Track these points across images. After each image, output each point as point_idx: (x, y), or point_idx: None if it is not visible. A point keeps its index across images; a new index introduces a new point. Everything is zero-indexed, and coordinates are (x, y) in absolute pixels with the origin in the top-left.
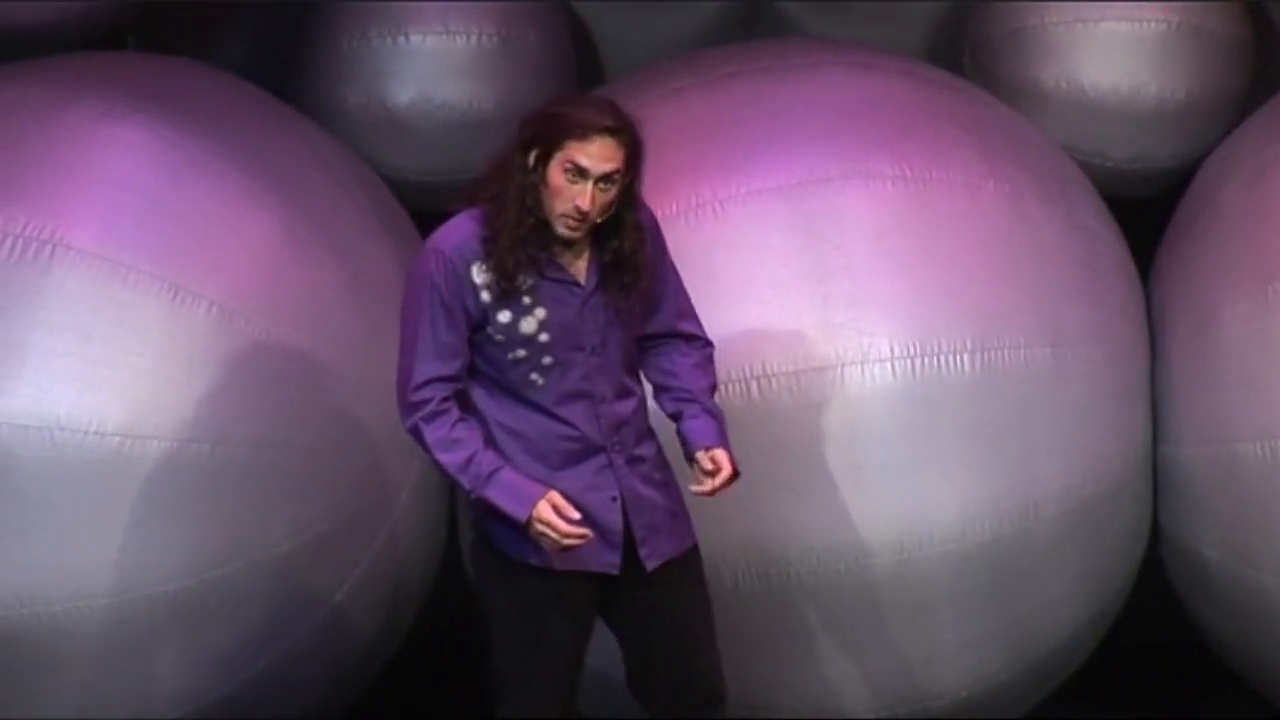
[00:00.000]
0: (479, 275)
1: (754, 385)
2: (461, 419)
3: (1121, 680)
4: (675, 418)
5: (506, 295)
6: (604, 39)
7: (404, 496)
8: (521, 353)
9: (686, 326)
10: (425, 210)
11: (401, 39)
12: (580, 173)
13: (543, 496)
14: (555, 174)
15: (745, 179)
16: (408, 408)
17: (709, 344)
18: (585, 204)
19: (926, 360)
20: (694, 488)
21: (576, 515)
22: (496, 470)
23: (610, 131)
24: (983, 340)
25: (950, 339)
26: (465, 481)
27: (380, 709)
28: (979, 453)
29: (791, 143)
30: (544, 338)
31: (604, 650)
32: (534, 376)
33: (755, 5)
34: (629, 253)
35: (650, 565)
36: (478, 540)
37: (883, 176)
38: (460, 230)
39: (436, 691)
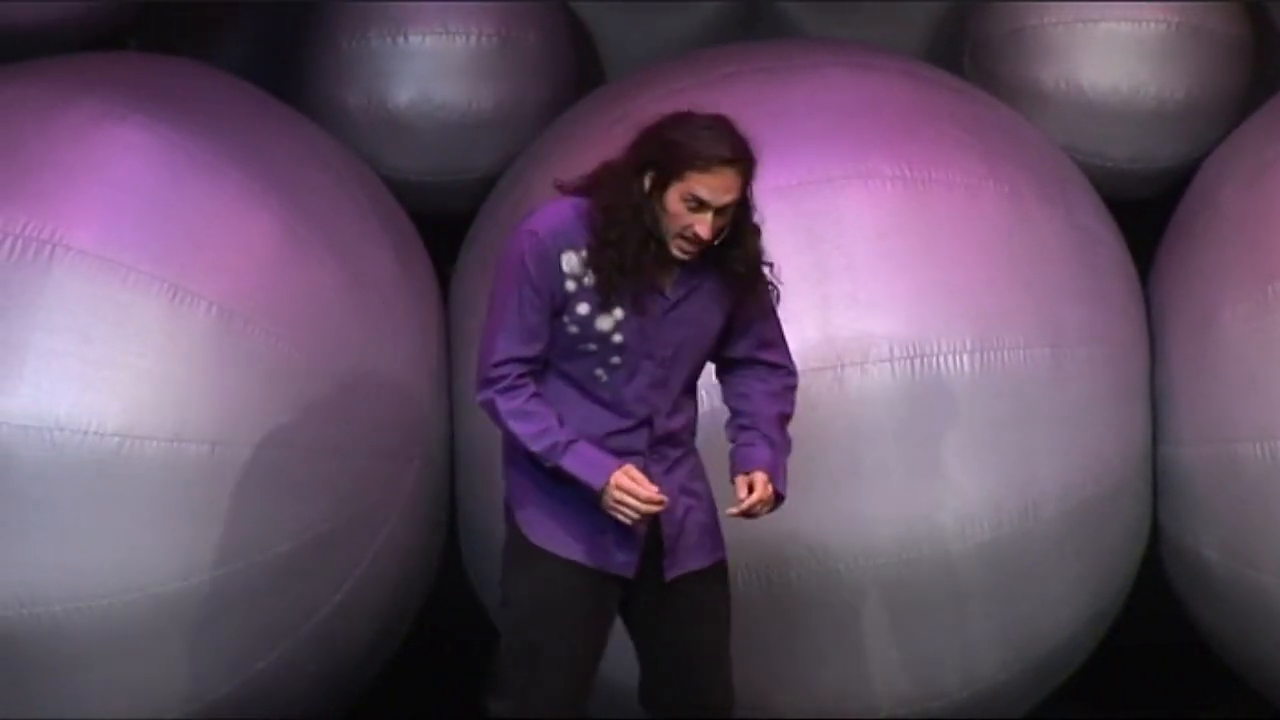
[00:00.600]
0: (568, 264)
1: None
2: (536, 394)
3: (1121, 680)
4: (734, 442)
5: (591, 290)
6: (604, 40)
7: (404, 497)
8: (592, 347)
9: (770, 356)
10: (425, 210)
11: (401, 39)
12: (701, 204)
13: (619, 468)
14: (673, 201)
15: None
16: (484, 382)
17: (792, 374)
18: (705, 233)
19: (926, 360)
20: (728, 510)
21: (654, 487)
22: (573, 441)
23: (732, 164)
24: (982, 340)
25: (950, 339)
26: (540, 449)
27: (380, 709)
28: (979, 453)
29: (791, 143)
30: (618, 338)
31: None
32: (599, 372)
33: (755, 5)
34: (753, 257)
35: (670, 574)
36: (507, 528)
37: (883, 177)
38: (559, 216)
39: (436, 691)
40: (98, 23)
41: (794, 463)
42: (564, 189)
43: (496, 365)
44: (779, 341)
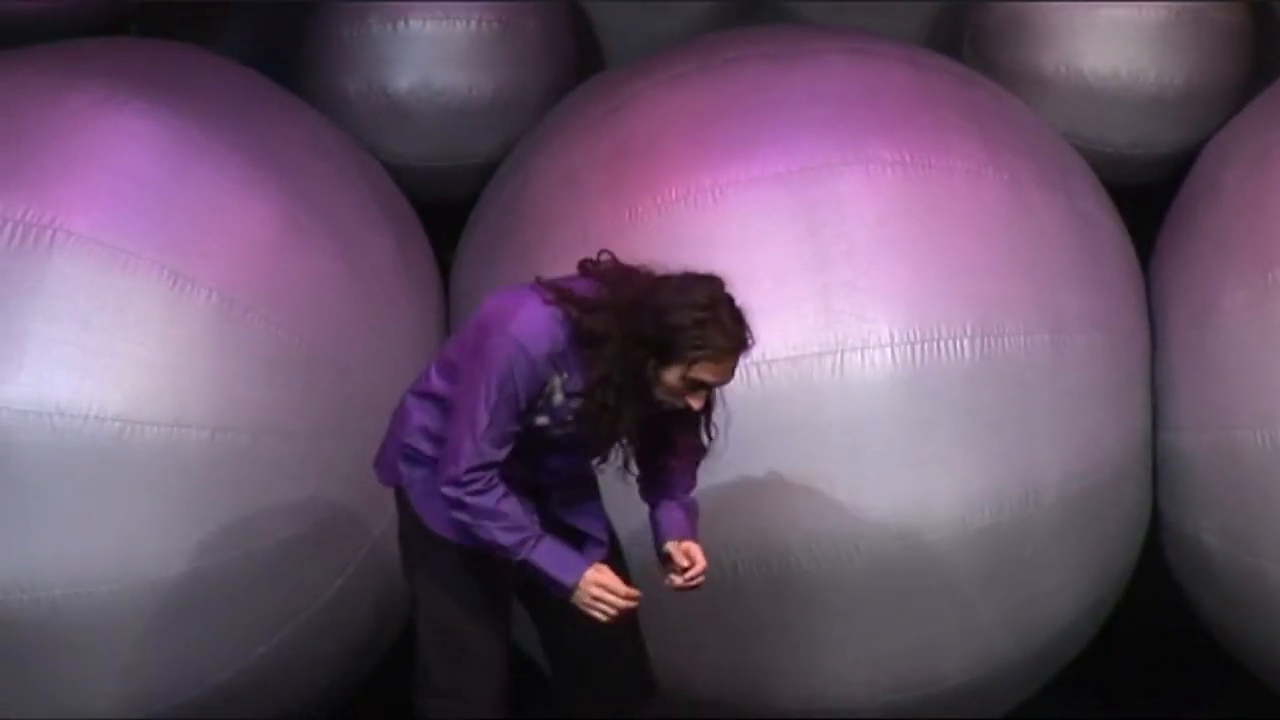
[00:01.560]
0: (549, 388)
1: (753, 371)
2: (505, 493)
3: (1121, 666)
4: (652, 505)
5: (556, 408)
6: (604, 29)
7: None
8: (528, 437)
9: (694, 446)
10: (425, 196)
11: (401, 25)
12: (702, 386)
13: (588, 565)
14: (672, 378)
15: (745, 165)
16: (453, 482)
17: (702, 451)
18: (698, 406)
19: (927, 346)
20: (666, 580)
21: (627, 588)
22: (541, 537)
23: (739, 350)
24: (983, 326)
25: (950, 325)
26: (510, 543)
27: (381, 696)
28: (979, 439)
29: (792, 129)
30: (557, 434)
31: None
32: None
33: None
34: (691, 425)
35: (593, 557)
36: (405, 521)
37: (883, 163)
38: (548, 334)
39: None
40: (98, 9)
41: (794, 449)
42: (540, 286)
43: (469, 471)
44: (702, 432)
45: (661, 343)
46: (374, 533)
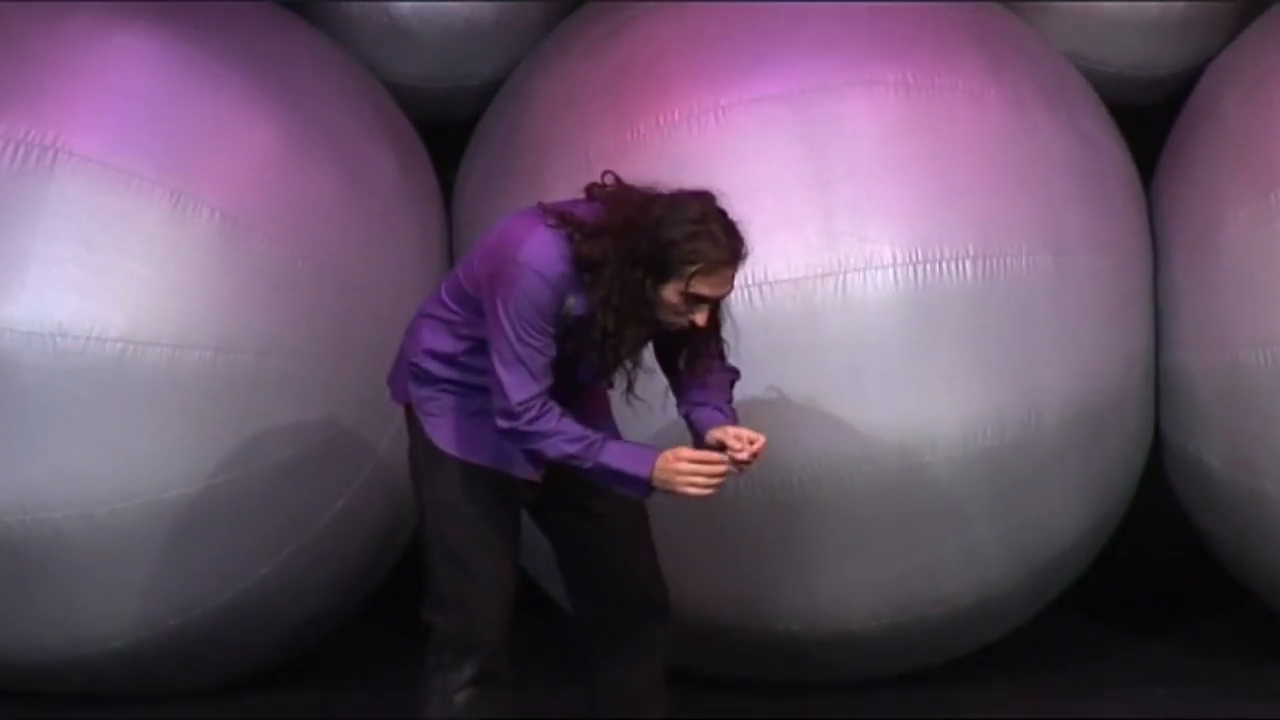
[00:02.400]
0: (567, 306)
1: (755, 292)
2: (560, 414)
3: (1123, 588)
4: (688, 416)
5: (569, 325)
6: None
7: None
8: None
9: (715, 384)
10: (427, 117)
11: None
12: (701, 300)
13: (659, 454)
14: (671, 294)
15: (748, 86)
16: (508, 415)
17: (735, 371)
18: (702, 322)
19: (929, 267)
20: (736, 455)
21: (716, 455)
22: (607, 440)
23: (736, 260)
24: (985, 247)
25: (953, 246)
26: (577, 450)
27: (383, 616)
28: (981, 360)
29: (794, 50)
30: (569, 349)
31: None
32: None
33: None
34: (714, 337)
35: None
36: (414, 439)
37: (885, 84)
38: (555, 254)
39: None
40: None
41: (796, 370)
42: (544, 213)
43: (520, 404)
44: (721, 348)
45: (656, 259)
46: (377, 453)
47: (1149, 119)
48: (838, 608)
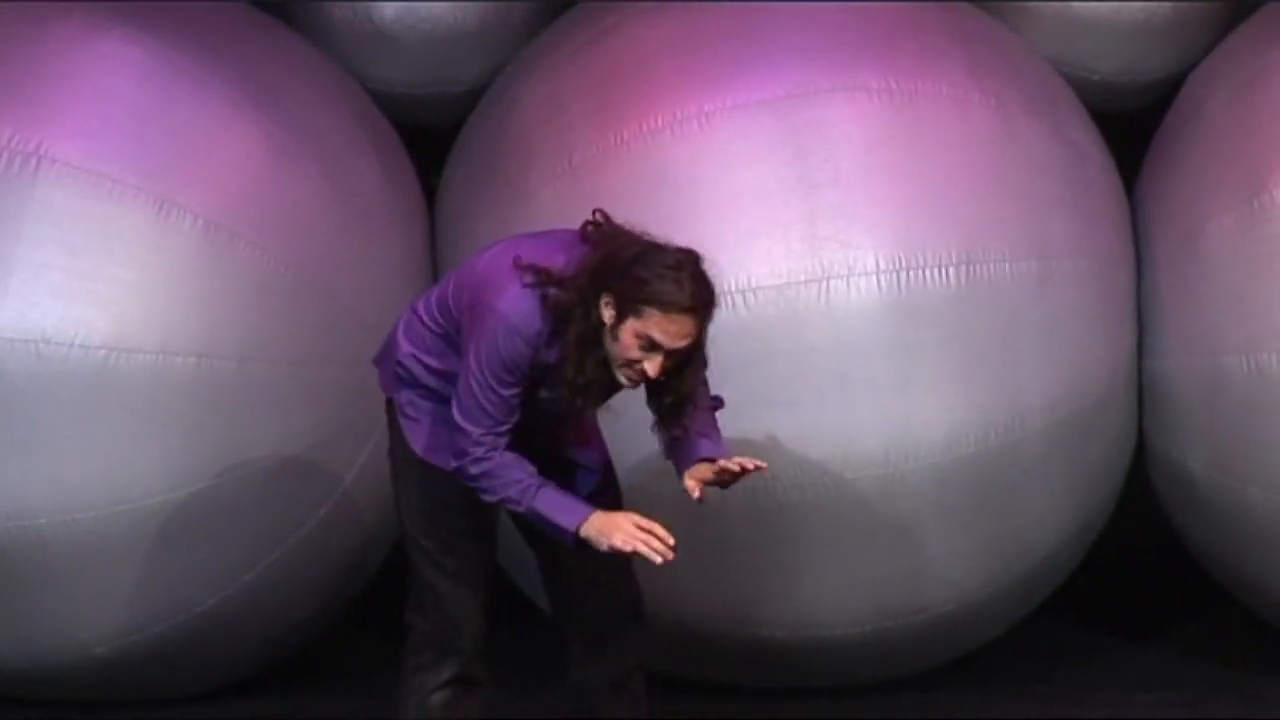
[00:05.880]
0: (539, 358)
1: (739, 299)
2: (503, 454)
3: (1106, 592)
4: (674, 443)
5: (547, 372)
6: None
7: None
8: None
9: (702, 402)
10: (411, 123)
11: None
12: (653, 345)
13: (592, 511)
14: (627, 335)
15: (732, 92)
16: (459, 455)
17: (719, 400)
18: (653, 372)
19: (912, 273)
20: (727, 464)
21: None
22: (542, 486)
23: (693, 311)
24: (969, 253)
25: (936, 252)
26: (512, 495)
27: (368, 620)
28: (964, 366)
29: (779, 55)
30: (546, 398)
31: None
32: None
33: None
34: (684, 396)
35: (588, 481)
36: (394, 435)
37: (869, 89)
38: (530, 311)
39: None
40: None
41: (779, 376)
42: (521, 270)
43: (475, 443)
44: (706, 384)
45: (621, 293)
46: (360, 458)
47: (1133, 124)
48: (821, 613)
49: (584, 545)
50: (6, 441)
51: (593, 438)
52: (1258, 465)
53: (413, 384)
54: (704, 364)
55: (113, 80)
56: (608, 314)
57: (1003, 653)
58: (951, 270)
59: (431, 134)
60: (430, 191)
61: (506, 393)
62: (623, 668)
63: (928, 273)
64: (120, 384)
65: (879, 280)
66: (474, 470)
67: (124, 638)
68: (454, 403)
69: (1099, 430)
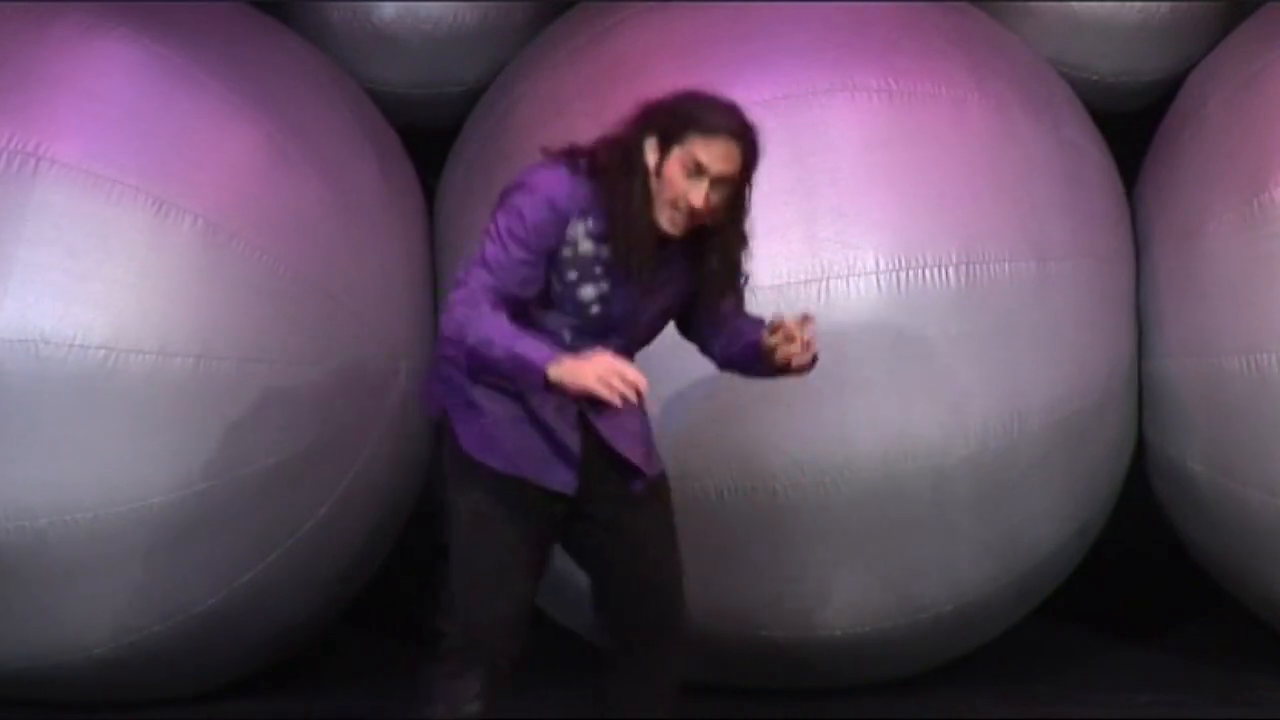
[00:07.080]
0: (572, 231)
1: None
2: (505, 317)
3: (1106, 593)
4: (729, 357)
5: (583, 259)
6: None
7: (389, 409)
8: (568, 308)
9: (743, 321)
10: (410, 123)
11: None
12: (699, 170)
13: (566, 354)
14: (673, 167)
15: (731, 91)
16: (450, 306)
17: (760, 320)
18: (699, 201)
19: (912, 274)
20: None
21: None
22: (524, 334)
23: (735, 135)
24: (968, 253)
25: (936, 252)
26: (494, 336)
27: (366, 621)
28: (964, 366)
29: (778, 56)
30: (595, 310)
31: None
32: (565, 333)
33: None
34: (730, 264)
35: (636, 488)
36: (451, 456)
37: (869, 90)
38: (560, 181)
39: (421, 604)
40: None
41: None
42: (551, 154)
43: (470, 289)
44: (742, 301)
45: (661, 127)
46: (359, 459)
47: (1133, 124)
48: (821, 613)
49: (551, 388)
50: (5, 442)
51: (638, 422)
52: (1258, 466)
53: (452, 382)
54: (745, 239)
55: (111, 81)
56: (652, 157)
57: (1003, 653)
58: (951, 270)
59: (431, 134)
60: (430, 192)
61: (521, 255)
62: (654, 691)
63: (927, 273)
64: (119, 385)
65: (878, 280)
66: (459, 312)
67: (123, 638)
68: (461, 270)
69: (1098, 431)
